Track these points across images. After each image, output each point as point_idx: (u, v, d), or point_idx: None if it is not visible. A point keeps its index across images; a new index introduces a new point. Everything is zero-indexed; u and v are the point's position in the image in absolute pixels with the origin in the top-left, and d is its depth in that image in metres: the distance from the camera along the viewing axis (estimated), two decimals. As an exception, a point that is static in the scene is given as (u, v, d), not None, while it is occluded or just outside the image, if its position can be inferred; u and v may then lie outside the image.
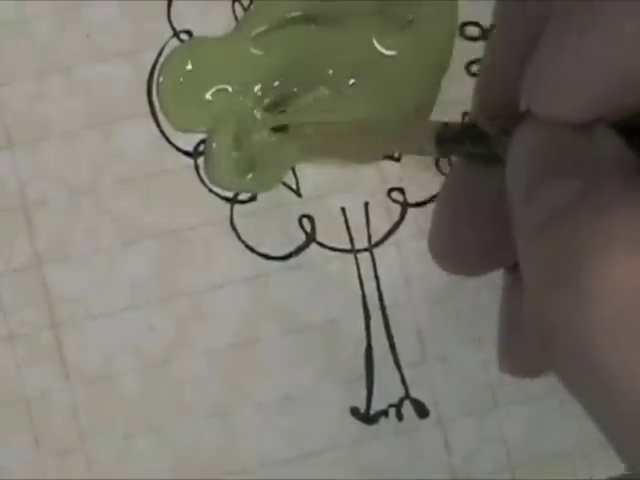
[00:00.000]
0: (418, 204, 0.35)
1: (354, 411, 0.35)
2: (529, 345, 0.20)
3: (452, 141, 0.23)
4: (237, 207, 0.35)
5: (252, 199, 0.35)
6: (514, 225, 0.20)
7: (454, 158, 0.25)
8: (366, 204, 0.35)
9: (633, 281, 0.17)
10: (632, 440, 0.18)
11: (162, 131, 0.35)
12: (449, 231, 0.23)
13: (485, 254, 0.23)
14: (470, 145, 0.22)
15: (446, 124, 0.24)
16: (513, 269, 0.23)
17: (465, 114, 0.35)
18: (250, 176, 0.35)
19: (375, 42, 0.35)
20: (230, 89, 0.35)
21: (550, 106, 0.20)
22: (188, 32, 0.36)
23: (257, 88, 0.35)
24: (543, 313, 0.18)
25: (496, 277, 0.35)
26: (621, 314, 0.17)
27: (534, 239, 0.19)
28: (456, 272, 0.24)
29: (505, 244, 0.22)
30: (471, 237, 0.23)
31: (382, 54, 0.35)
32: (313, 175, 0.35)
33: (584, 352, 0.18)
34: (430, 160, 0.35)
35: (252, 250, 0.35)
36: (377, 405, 0.35)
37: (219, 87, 0.35)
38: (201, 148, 0.35)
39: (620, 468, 0.35)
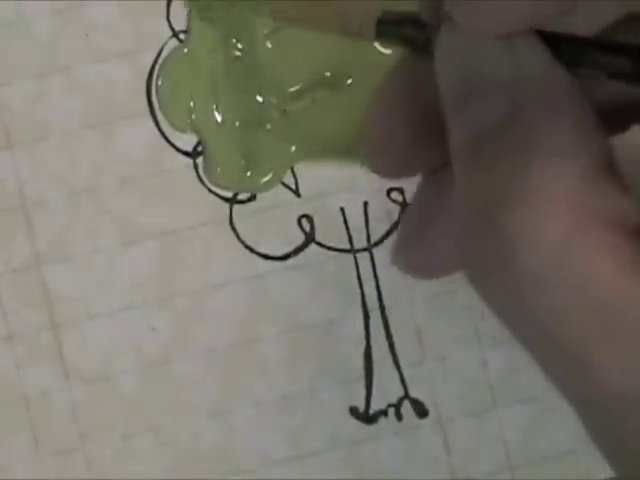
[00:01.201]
0: (417, 204, 0.35)
1: (353, 411, 0.35)
2: (459, 264, 0.19)
3: (392, 24, 0.23)
4: (236, 207, 0.35)
5: (251, 199, 0.35)
6: (448, 132, 0.19)
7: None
8: (365, 204, 0.35)
9: (554, 233, 0.17)
10: (563, 376, 0.17)
11: (161, 131, 0.35)
12: (377, 126, 0.22)
13: (410, 152, 0.22)
14: (409, 30, 0.22)
15: (389, 11, 0.24)
16: (432, 173, 0.22)
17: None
18: (249, 175, 0.35)
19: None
20: (229, 91, 0.35)
21: (468, 17, 0.18)
22: (187, 32, 0.36)
23: (257, 89, 0.35)
24: (469, 248, 0.18)
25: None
26: (543, 268, 0.17)
27: (462, 161, 0.18)
28: (381, 167, 0.23)
29: (431, 147, 0.21)
30: (402, 131, 0.22)
31: (380, 53, 0.35)
32: (312, 175, 0.35)
33: (509, 293, 0.17)
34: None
35: (251, 250, 0.35)
36: (376, 405, 0.35)
37: (218, 89, 0.35)
38: (200, 148, 0.35)
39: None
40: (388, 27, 0.23)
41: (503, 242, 0.17)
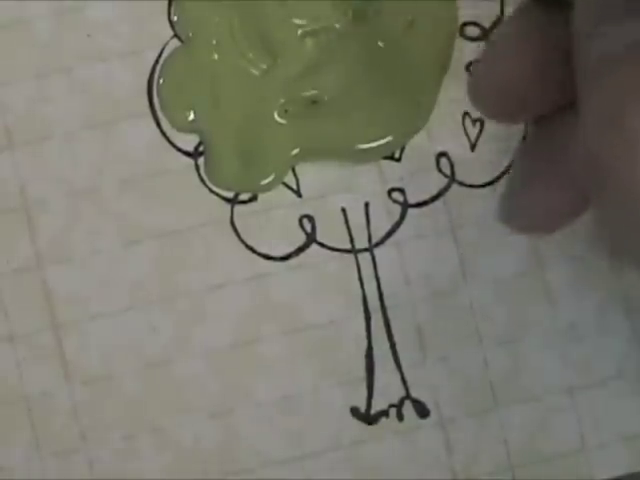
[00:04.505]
0: (418, 204, 0.35)
1: (354, 411, 0.35)
2: (579, 185, 0.20)
3: None
4: (237, 207, 0.35)
5: (252, 199, 0.35)
6: (576, 65, 0.20)
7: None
8: (366, 204, 0.35)
9: None
10: None
11: (162, 131, 0.35)
12: (498, 68, 0.23)
13: (528, 94, 0.23)
14: None
15: None
16: (542, 121, 0.23)
17: (466, 113, 0.35)
18: (251, 176, 0.35)
19: (378, 41, 0.35)
20: (228, 92, 0.35)
21: None
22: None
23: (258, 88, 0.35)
24: (594, 157, 0.19)
25: (496, 279, 0.35)
26: None
27: (591, 80, 0.19)
28: (492, 110, 0.24)
29: (547, 90, 0.22)
30: (520, 75, 0.23)
31: (384, 52, 0.35)
32: (313, 175, 0.35)
33: (632, 199, 0.18)
34: (430, 160, 0.35)
35: (252, 250, 0.35)
36: (377, 405, 0.35)
37: (219, 88, 0.35)
38: (201, 148, 0.35)
39: (620, 468, 0.35)
40: None
41: (628, 140, 0.18)
